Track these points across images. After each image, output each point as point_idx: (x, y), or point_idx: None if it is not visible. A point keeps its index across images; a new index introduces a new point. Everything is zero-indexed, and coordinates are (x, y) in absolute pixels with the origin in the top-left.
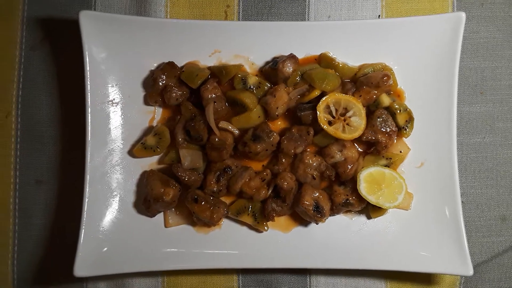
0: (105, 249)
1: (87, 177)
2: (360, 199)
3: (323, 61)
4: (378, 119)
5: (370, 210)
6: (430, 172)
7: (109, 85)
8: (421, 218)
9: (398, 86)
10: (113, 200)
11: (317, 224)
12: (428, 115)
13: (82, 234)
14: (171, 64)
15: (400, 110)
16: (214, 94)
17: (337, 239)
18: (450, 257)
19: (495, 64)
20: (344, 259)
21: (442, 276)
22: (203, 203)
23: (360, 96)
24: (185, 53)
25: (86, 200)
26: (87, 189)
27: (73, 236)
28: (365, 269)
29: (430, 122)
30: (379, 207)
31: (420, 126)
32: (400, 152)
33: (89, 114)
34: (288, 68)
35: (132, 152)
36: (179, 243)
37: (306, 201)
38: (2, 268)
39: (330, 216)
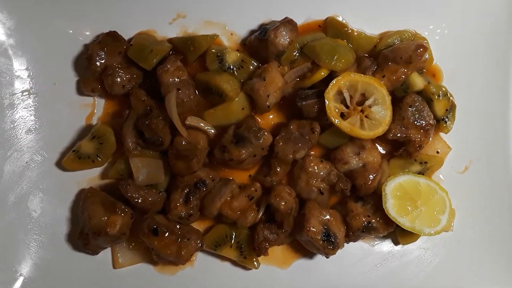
0: None
1: None
2: (387, 221)
3: (331, 28)
4: (410, 109)
5: (399, 234)
6: (478, 178)
7: (22, 68)
8: (467, 241)
9: (434, 62)
10: (36, 234)
11: (327, 257)
12: (474, 101)
13: None
14: (113, 35)
15: (438, 95)
16: (178, 78)
17: (353, 275)
18: None
19: None
20: None
21: None
22: (166, 234)
23: (384, 76)
24: (134, 20)
25: None
26: None
27: None
28: None
29: (477, 111)
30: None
31: (463, 116)
32: (437, 153)
33: None
34: (283, 38)
35: (61, 164)
36: None
37: (313, 227)
38: None
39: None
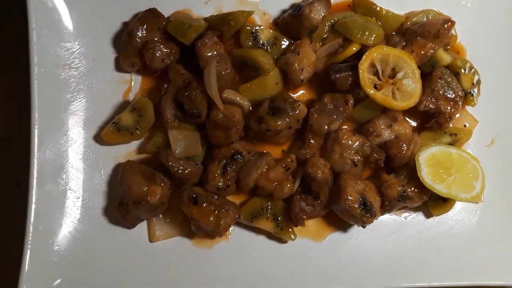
0: (61, 279)
1: (34, 175)
2: (422, 189)
3: (360, 6)
4: (440, 81)
5: (431, 206)
6: (505, 151)
7: (64, 42)
8: (498, 212)
9: (457, 40)
10: (73, 206)
11: (364, 227)
12: (499, 76)
13: (27, 258)
14: (153, 12)
15: (465, 70)
16: (216, 52)
17: (388, 247)
18: None
19: None
20: (401, 274)
21: None
22: (205, 204)
23: (412, 51)
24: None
25: (33, 207)
26: (34, 192)
27: (17, 258)
28: (432, 287)
29: (501, 86)
30: (442, 201)
31: (488, 91)
32: (465, 126)
33: (36, 83)
34: (318, 13)
35: (100, 137)
36: (171, 264)
37: (350, 196)
38: None
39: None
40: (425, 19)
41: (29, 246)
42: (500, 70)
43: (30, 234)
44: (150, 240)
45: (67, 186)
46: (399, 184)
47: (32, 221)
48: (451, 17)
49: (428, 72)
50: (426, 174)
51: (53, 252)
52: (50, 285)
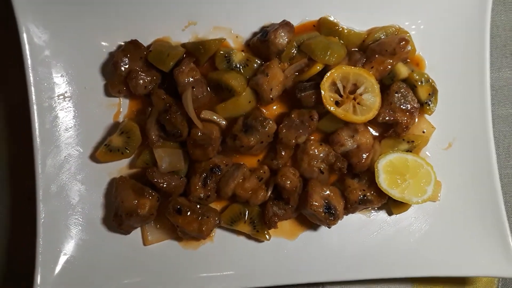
0: (70, 283)
1: (39, 192)
2: (380, 193)
3: (324, 27)
4: (396, 95)
5: (391, 205)
6: (460, 153)
7: (58, 75)
8: (453, 210)
9: (417, 53)
10: (75, 218)
11: (329, 227)
12: (454, 85)
13: (39, 265)
14: (134, 43)
15: (421, 82)
16: (192, 78)
17: (354, 242)
18: (491, 255)
19: None
20: (364, 267)
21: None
22: (188, 213)
23: (372, 67)
24: (151, 29)
25: (41, 221)
26: (41, 207)
27: (31, 265)
28: (390, 278)
29: (457, 94)
30: (401, 202)
31: (445, 99)
32: (423, 132)
33: (35, 113)
34: (282, 38)
35: (95, 157)
36: (163, 264)
37: (315, 202)
38: None
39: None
40: (384, 35)
41: (40, 258)
42: (457, 79)
43: (40, 246)
44: (144, 244)
45: (70, 201)
46: (360, 189)
47: (41, 234)
48: (410, 30)
49: (388, 84)
50: (383, 180)
51: (61, 259)
52: (61, 286)
